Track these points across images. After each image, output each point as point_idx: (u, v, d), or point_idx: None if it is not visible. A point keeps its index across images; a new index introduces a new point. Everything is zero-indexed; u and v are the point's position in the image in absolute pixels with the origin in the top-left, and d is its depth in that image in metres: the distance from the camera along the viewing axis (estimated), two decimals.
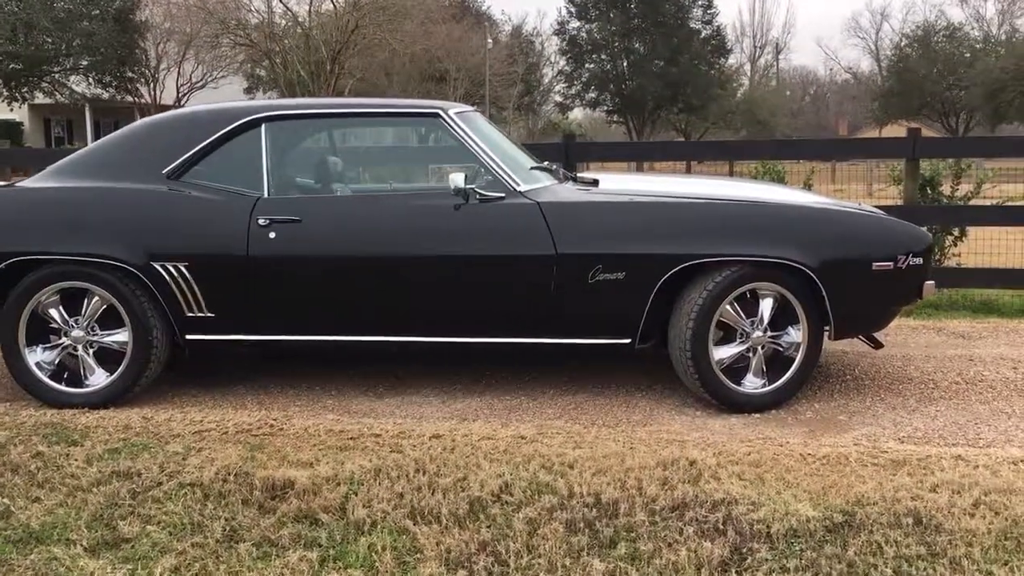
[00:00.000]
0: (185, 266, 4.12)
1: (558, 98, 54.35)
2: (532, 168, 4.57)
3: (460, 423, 4.03)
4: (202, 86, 38.43)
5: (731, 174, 13.09)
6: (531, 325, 4.18)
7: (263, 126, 4.30)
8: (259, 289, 4.16)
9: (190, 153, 4.26)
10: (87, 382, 4.26)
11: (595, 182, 4.62)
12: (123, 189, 4.22)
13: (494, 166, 4.20)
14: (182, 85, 37.92)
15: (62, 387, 4.24)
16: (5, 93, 31.87)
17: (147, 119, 4.55)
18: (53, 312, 4.23)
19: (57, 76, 33.56)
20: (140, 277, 4.12)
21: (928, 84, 49.32)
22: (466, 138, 4.24)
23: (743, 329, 4.11)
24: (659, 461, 3.48)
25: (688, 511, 3.13)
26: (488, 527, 3.10)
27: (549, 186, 4.42)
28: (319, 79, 32.57)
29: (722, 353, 4.10)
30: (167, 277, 4.12)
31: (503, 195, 4.14)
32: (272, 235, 4.13)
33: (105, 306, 4.19)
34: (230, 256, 4.13)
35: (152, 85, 37.02)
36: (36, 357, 4.25)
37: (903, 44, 53.21)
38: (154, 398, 4.42)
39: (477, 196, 4.11)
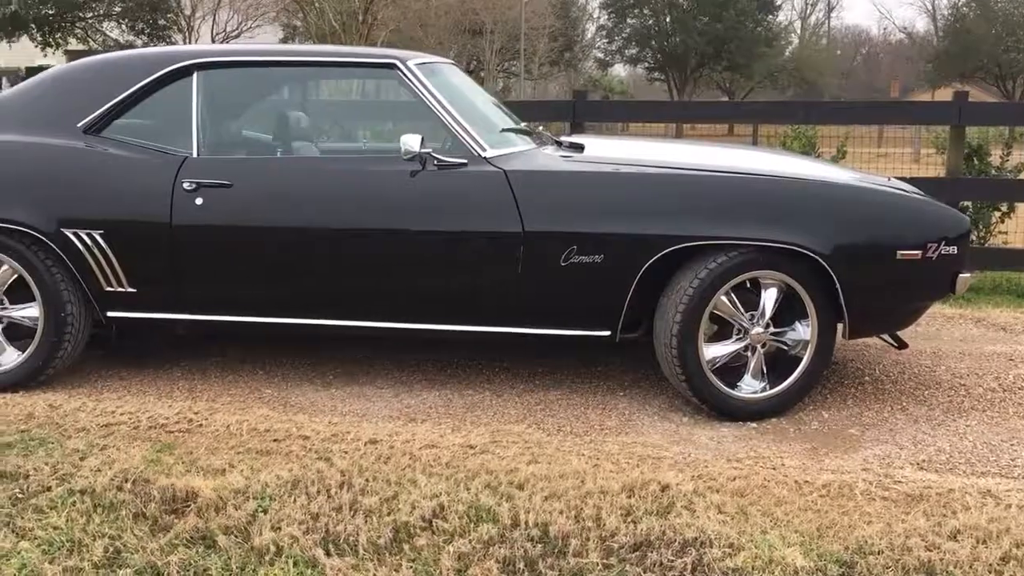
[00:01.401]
0: (100, 234, 3.60)
1: (599, 54, 53.07)
2: (505, 131, 3.97)
3: (405, 424, 3.50)
4: (237, 35, 37.93)
5: (755, 142, 12.31)
6: (496, 312, 3.62)
7: (195, 75, 3.75)
8: (184, 262, 3.64)
9: (110, 104, 3.72)
10: None
11: (580, 147, 4.01)
12: (32, 144, 3.70)
13: (456, 127, 3.62)
14: (217, 34, 37.43)
15: None
16: (39, 38, 31.58)
17: (68, 64, 4.01)
18: None
19: (90, 21, 33.20)
20: (50, 246, 3.62)
21: (985, 46, 47.28)
22: (425, 93, 3.65)
23: (740, 324, 3.51)
24: (625, 485, 2.92)
25: (651, 552, 2.58)
26: (411, 562, 2.58)
27: (523, 152, 3.82)
28: (351, 30, 31.84)
29: (715, 351, 3.52)
30: (80, 246, 3.61)
31: (465, 161, 3.56)
32: (199, 201, 3.59)
33: (15, 276, 3.70)
34: (151, 224, 3.60)
35: (187, 33, 36.58)
36: None
37: (960, 3, 51.09)
38: (74, 380, 3.94)
39: (435, 162, 3.54)
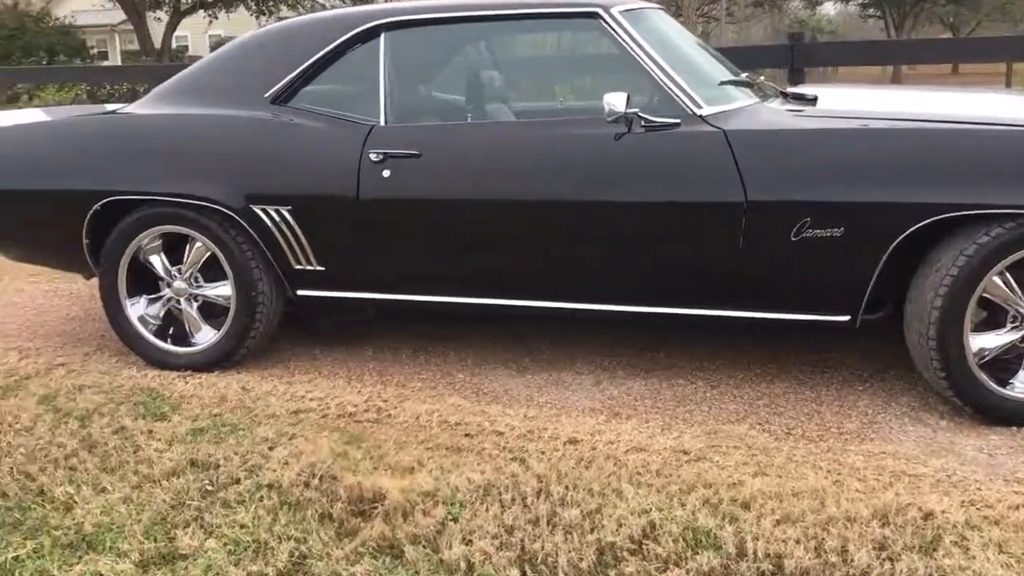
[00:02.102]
0: (288, 210, 3.42)
1: None
2: (724, 83, 3.47)
3: (608, 420, 3.12)
4: None
5: (1008, 84, 10.89)
6: (712, 293, 3.17)
7: (382, 36, 3.47)
8: (372, 239, 3.40)
9: (296, 72, 3.51)
10: (193, 340, 3.71)
11: (812, 100, 3.45)
12: (220, 117, 3.55)
13: (667, 82, 3.16)
14: None
15: (166, 345, 3.71)
16: (253, 7, 33.11)
17: (252, 32, 3.84)
18: (155, 260, 3.68)
19: None
20: (240, 223, 3.47)
21: None
22: (632, 45, 3.20)
23: (1018, 310, 2.89)
24: (876, 510, 2.42)
25: None
26: None
27: (746, 107, 3.31)
28: None
29: (983, 342, 2.91)
30: (269, 223, 3.44)
31: (677, 120, 3.10)
32: (386, 173, 3.33)
33: (208, 254, 3.59)
34: (338, 199, 3.38)
35: None
36: (139, 310, 3.74)
37: None
38: (267, 360, 3.82)
39: (642, 123, 3.10)
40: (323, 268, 3.50)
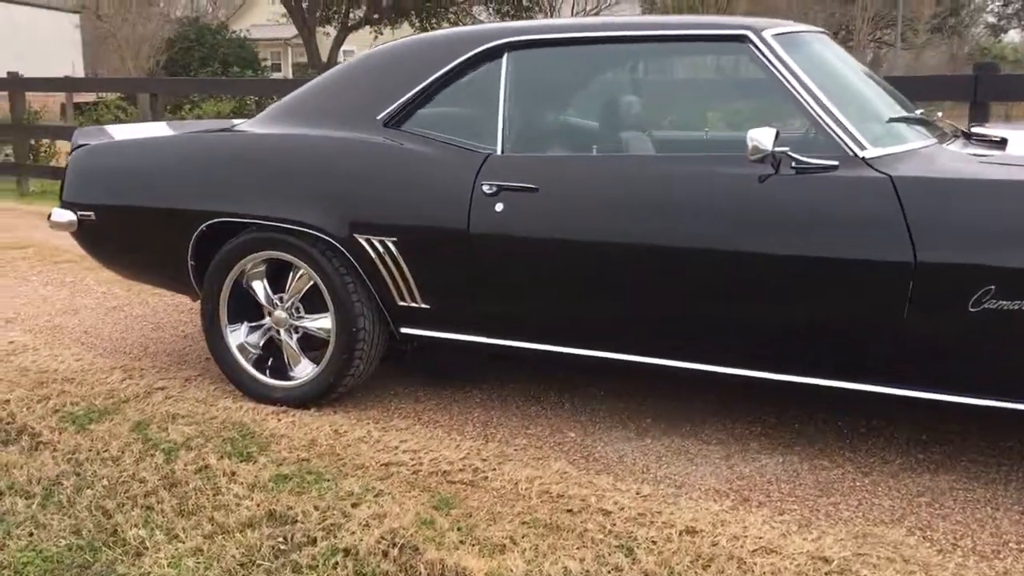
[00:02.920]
0: (393, 242, 3.15)
1: (991, 18, 46.98)
2: (893, 120, 2.98)
3: (735, 506, 2.68)
4: (596, 12, 38.15)
5: None
6: (868, 367, 2.70)
7: (504, 57, 3.17)
8: (481, 278, 3.09)
9: (411, 93, 3.25)
10: (291, 373, 3.50)
11: (1001, 143, 2.92)
12: (327, 139, 3.32)
13: (823, 116, 2.71)
14: (578, 12, 37.91)
15: (264, 377, 3.51)
16: (416, 24, 33.81)
17: (369, 51, 3.60)
18: (257, 286, 3.49)
19: (462, 6, 34.95)
20: (343, 252, 3.23)
21: None
22: (784, 73, 2.78)
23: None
24: None
25: None
26: None
27: (919, 149, 2.82)
28: (709, 2, 30.57)
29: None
30: (372, 254, 3.19)
31: (835, 162, 2.65)
32: (499, 207, 3.02)
33: (310, 284, 3.37)
34: (446, 232, 3.09)
35: (548, 13, 37.34)
36: (239, 338, 3.55)
37: None
38: (368, 399, 3.56)
39: (793, 163, 2.67)
40: (428, 306, 3.22)
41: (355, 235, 3.19)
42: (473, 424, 3.33)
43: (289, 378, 3.49)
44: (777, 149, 2.62)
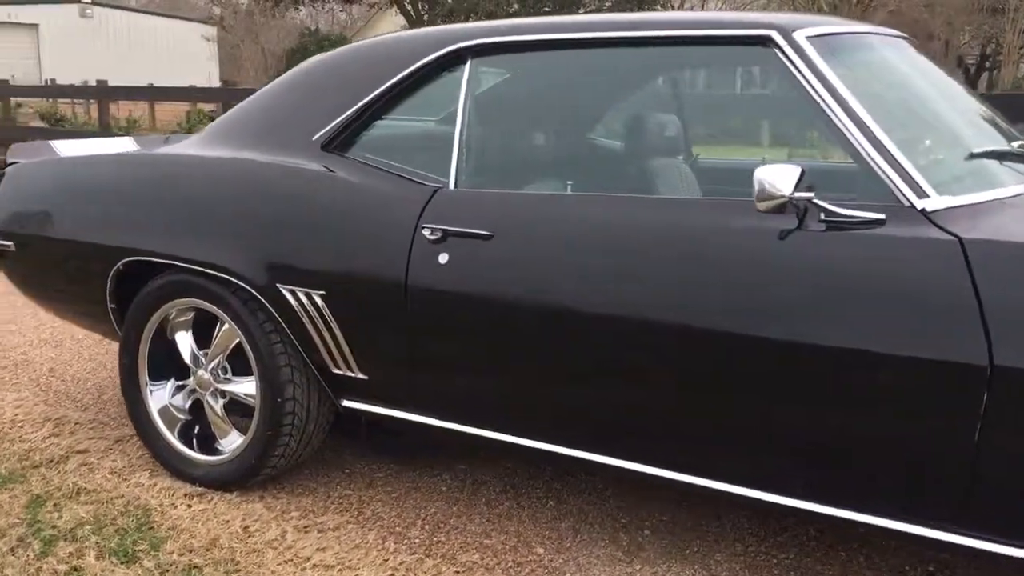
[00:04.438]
0: (321, 295, 2.50)
1: None
2: (977, 156, 2.17)
3: None
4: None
5: None
6: (923, 503, 1.90)
7: (468, 64, 2.49)
8: (420, 345, 2.41)
9: (353, 110, 2.60)
10: (217, 445, 2.90)
11: None
12: (252, 166, 2.70)
13: (867, 148, 1.93)
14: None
15: (184, 448, 2.91)
16: None
17: (315, 57, 2.96)
18: (181, 338, 2.91)
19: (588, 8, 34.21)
20: (265, 304, 2.61)
21: None
22: (815, 86, 2.01)
23: None
24: None
25: None
26: None
27: (1008, 200, 2.01)
28: (840, 11, 28.91)
29: None
30: (298, 309, 2.55)
31: (881, 216, 1.87)
32: (443, 258, 2.33)
33: (237, 340, 2.76)
34: (380, 286, 2.42)
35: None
36: (162, 399, 2.96)
37: None
38: (305, 483, 2.93)
39: (822, 215, 1.90)
40: (364, 376, 2.56)
41: (277, 284, 2.56)
42: (421, 527, 2.64)
43: (215, 451, 2.89)
44: (799, 194, 1.86)
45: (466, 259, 2.31)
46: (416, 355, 2.43)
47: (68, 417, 3.48)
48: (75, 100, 19.94)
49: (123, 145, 3.66)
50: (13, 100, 12.56)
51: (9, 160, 3.29)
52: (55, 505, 2.78)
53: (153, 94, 12.92)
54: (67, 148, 3.43)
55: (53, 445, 3.21)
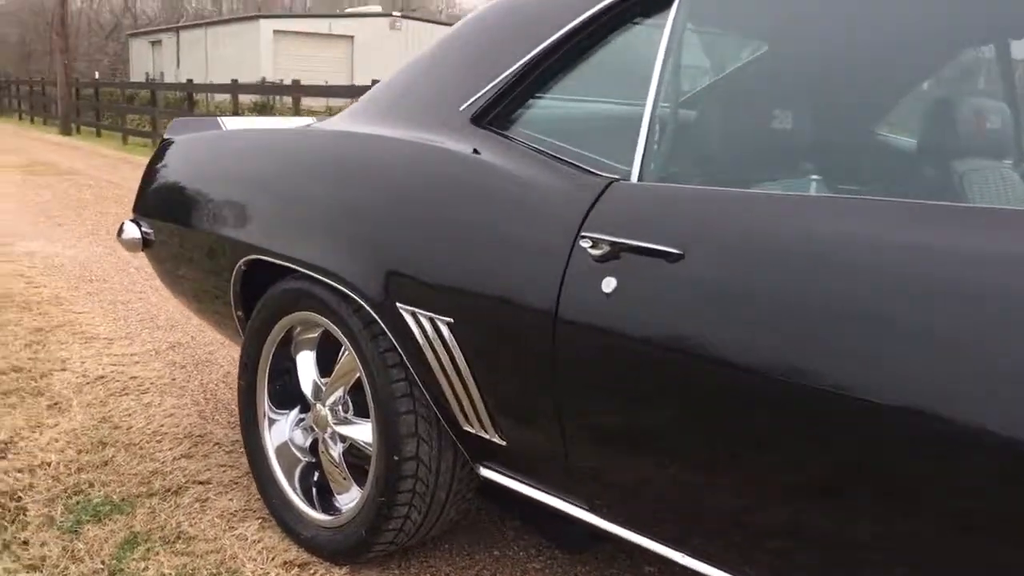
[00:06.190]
0: (448, 324, 1.80)
1: None
2: None
3: None
4: None
5: None
6: None
7: (675, 5, 1.68)
8: (572, 406, 1.64)
9: (508, 72, 1.87)
10: (335, 502, 2.28)
11: None
12: (378, 146, 2.04)
13: None
14: None
15: (298, 500, 2.31)
16: None
17: (474, 12, 2.22)
18: (302, 361, 2.32)
19: None
20: (383, 328, 1.95)
21: None
22: None
23: None
24: None
25: None
26: None
27: None
28: None
29: None
30: (421, 341, 1.86)
31: None
32: (609, 284, 1.54)
33: (359, 374, 2.12)
34: (519, 317, 1.67)
35: None
36: (282, 431, 2.39)
37: None
38: (423, 559, 2.23)
39: None
40: (501, 440, 1.82)
41: (397, 304, 1.88)
42: None
43: (332, 509, 2.27)
44: None
45: (640, 288, 1.50)
46: (566, 417, 1.66)
47: (211, 436, 3.03)
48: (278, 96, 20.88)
49: (260, 124, 3.17)
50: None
51: (166, 136, 2.89)
52: (147, 551, 2.29)
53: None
54: (233, 124, 2.97)
55: (179, 470, 2.76)
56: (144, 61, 36.46)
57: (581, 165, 1.71)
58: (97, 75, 25.95)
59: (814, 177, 1.63)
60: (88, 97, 22.16)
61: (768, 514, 1.41)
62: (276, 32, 30.42)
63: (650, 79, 1.66)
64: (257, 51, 29.70)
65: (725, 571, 1.52)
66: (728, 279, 1.42)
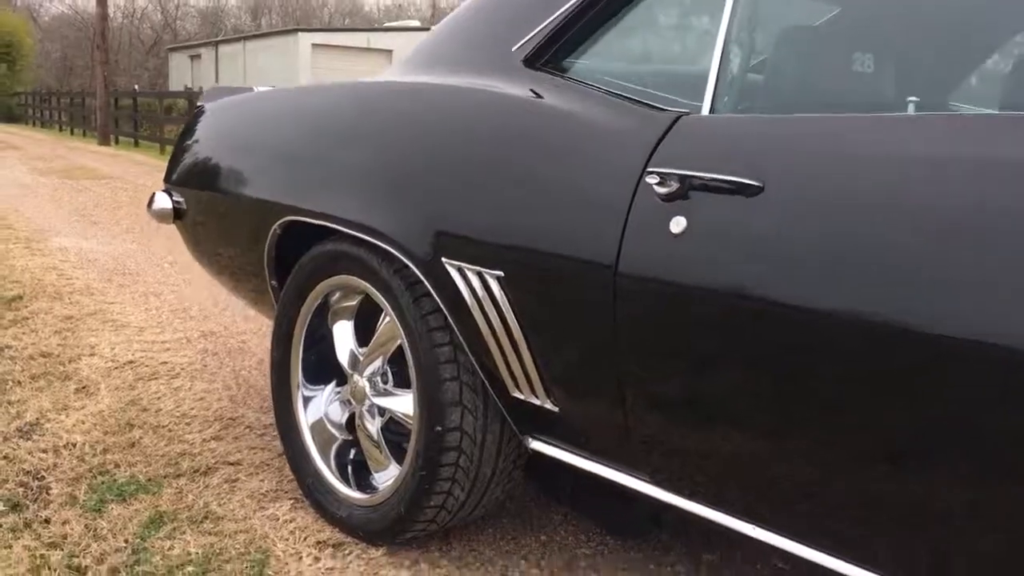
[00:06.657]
0: (498, 279, 1.66)
1: None
2: None
3: None
4: None
5: None
6: None
7: None
8: (634, 367, 1.49)
9: (564, 8, 1.74)
10: (372, 480, 2.14)
11: None
12: (425, 91, 1.92)
13: None
14: None
15: (333, 478, 2.17)
16: None
17: None
18: (340, 331, 2.19)
19: None
20: (426, 285, 1.81)
21: None
22: None
23: None
24: None
25: None
26: None
27: None
28: None
29: None
30: (468, 298, 1.72)
31: None
32: (678, 225, 1.39)
33: (399, 341, 1.98)
34: (576, 267, 1.53)
35: None
36: (318, 408, 2.26)
37: None
38: (465, 542, 2.09)
39: None
40: (554, 406, 1.68)
41: (443, 259, 1.74)
42: None
43: (368, 487, 2.13)
44: None
45: (712, 227, 1.36)
46: (627, 381, 1.51)
47: (242, 419, 2.91)
48: None
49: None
50: None
51: (199, 103, 2.79)
52: (173, 530, 2.16)
53: None
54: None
55: (208, 451, 2.63)
56: (183, 75, 36.89)
57: (645, 102, 1.56)
58: (137, 87, 26.25)
59: (911, 98, 1.47)
60: (126, 108, 22.38)
61: (863, 484, 1.24)
62: (314, 46, 30.60)
63: (721, 8, 1.51)
64: (295, 65, 29.89)
65: (801, 543, 1.36)
66: (817, 214, 1.26)
